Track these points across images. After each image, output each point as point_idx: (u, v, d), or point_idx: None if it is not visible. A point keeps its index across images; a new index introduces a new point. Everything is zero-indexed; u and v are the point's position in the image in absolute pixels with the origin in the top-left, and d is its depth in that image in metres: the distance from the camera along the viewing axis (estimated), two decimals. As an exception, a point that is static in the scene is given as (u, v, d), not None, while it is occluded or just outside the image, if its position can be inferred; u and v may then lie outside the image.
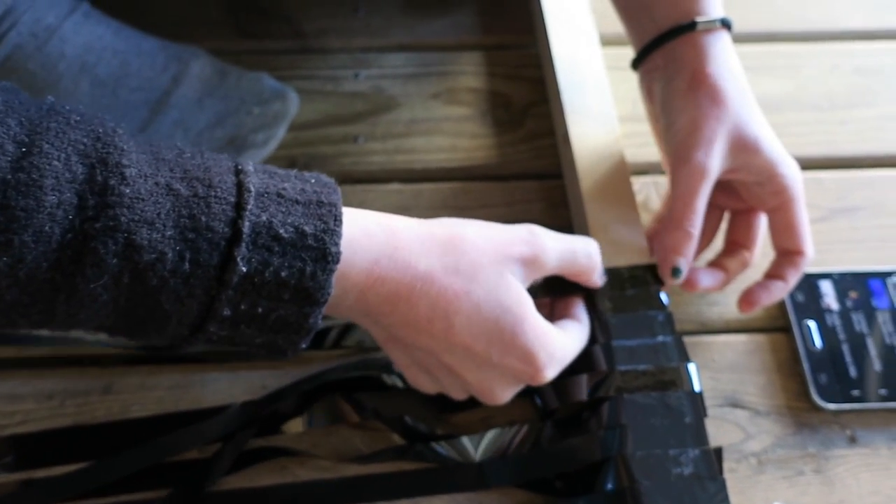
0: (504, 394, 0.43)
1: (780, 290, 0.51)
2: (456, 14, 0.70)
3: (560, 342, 0.42)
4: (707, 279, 0.51)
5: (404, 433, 0.47)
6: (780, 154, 0.50)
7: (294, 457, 0.47)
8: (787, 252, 0.51)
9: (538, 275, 0.43)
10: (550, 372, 0.42)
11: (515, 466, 0.46)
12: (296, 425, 0.48)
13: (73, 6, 0.55)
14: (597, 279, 0.47)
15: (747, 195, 0.52)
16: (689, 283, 0.51)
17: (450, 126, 0.63)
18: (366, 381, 0.49)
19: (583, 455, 0.45)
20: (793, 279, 0.51)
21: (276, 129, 0.59)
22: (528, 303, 0.41)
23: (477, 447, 0.47)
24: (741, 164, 0.49)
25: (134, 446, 0.46)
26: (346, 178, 0.59)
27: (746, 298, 0.51)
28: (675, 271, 0.49)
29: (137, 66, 0.56)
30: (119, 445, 0.47)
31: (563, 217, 0.58)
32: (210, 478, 0.46)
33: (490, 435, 0.47)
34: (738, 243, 0.53)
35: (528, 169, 0.61)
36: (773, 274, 0.51)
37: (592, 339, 0.48)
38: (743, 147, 0.49)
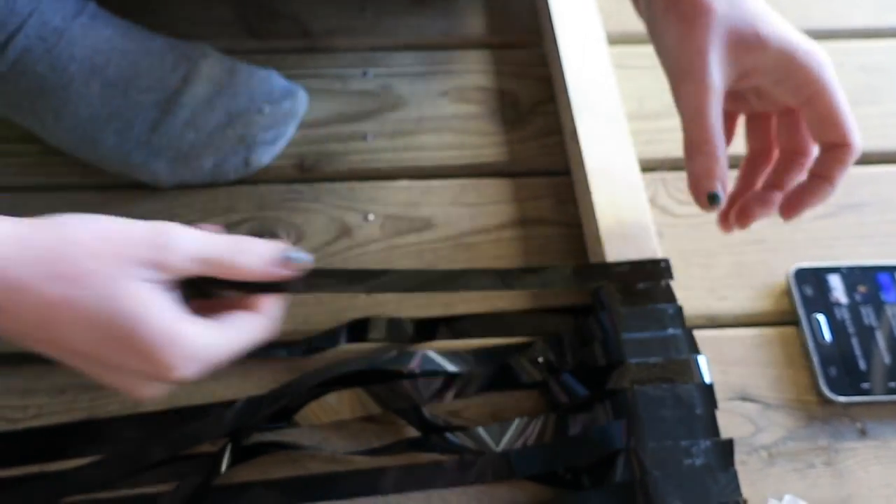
0: (147, 390, 0.41)
1: (826, 191, 0.46)
2: (463, 13, 0.70)
3: (200, 340, 0.40)
4: (759, 208, 0.47)
5: (420, 425, 0.48)
6: (794, 42, 0.44)
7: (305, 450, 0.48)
8: (830, 146, 0.45)
9: (169, 276, 0.40)
10: (186, 369, 0.39)
11: (543, 456, 0.46)
12: (307, 417, 0.48)
13: (79, 7, 0.55)
14: (256, 273, 0.42)
15: (770, 99, 0.46)
16: (745, 216, 0.46)
17: (458, 124, 0.63)
18: (377, 374, 0.49)
19: (607, 444, 0.45)
20: (839, 177, 0.45)
21: (285, 128, 0.59)
22: (150, 303, 0.38)
23: (498, 438, 0.47)
24: (750, 66, 0.44)
25: (146, 440, 0.46)
26: (355, 176, 0.59)
27: (791, 202, 0.47)
28: (713, 197, 0.44)
29: (147, 66, 0.56)
30: (131, 439, 0.47)
31: (572, 213, 0.58)
32: (217, 470, 0.46)
33: (513, 426, 0.47)
34: (762, 150, 0.48)
35: (536, 166, 0.62)
36: (818, 172, 0.46)
37: (590, 336, 0.47)
38: (746, 47, 0.44)
